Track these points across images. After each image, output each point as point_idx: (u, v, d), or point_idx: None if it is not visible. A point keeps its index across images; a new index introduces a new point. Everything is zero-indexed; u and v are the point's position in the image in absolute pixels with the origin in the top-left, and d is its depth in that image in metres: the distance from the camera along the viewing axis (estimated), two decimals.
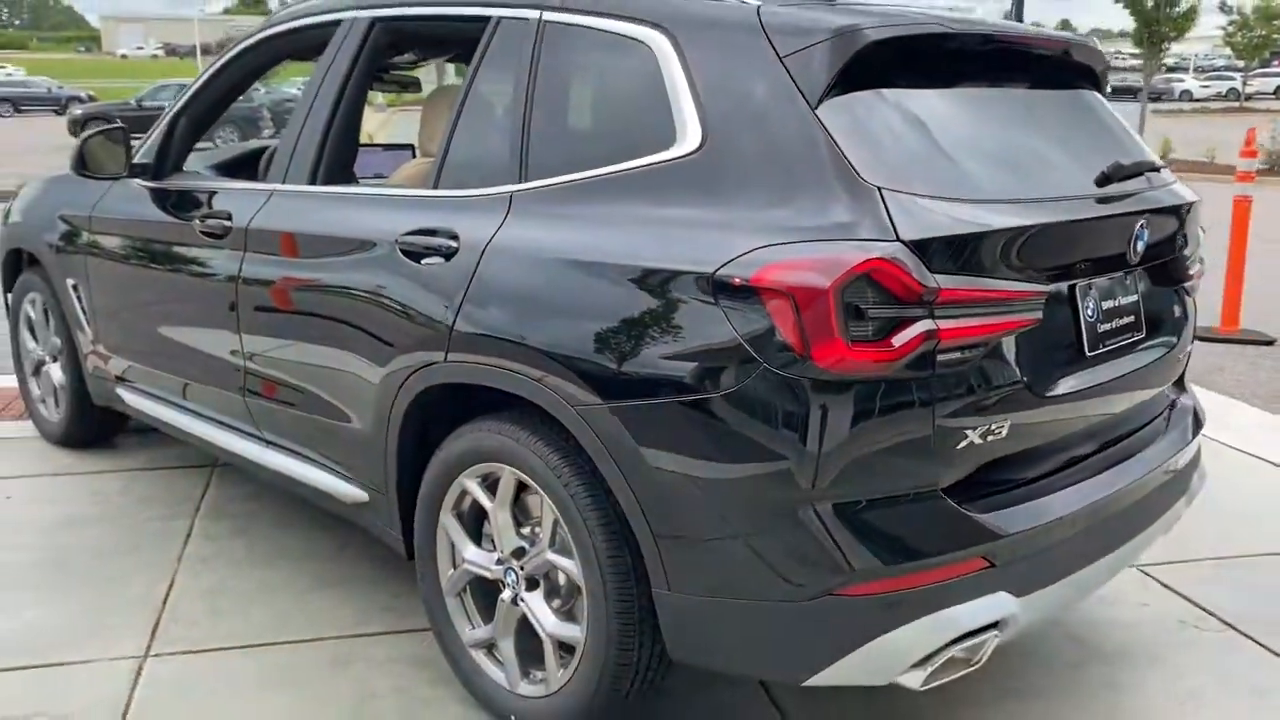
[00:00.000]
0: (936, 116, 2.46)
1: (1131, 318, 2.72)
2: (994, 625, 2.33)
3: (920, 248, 2.16)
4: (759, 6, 2.47)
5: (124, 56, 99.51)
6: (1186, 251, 2.96)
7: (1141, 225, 2.61)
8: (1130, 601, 3.61)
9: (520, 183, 2.71)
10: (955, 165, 2.40)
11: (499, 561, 2.78)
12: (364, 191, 3.31)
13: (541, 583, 2.71)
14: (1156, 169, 2.89)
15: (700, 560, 2.33)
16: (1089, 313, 2.56)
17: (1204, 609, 3.56)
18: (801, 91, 2.30)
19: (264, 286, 3.36)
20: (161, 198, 3.93)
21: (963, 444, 2.27)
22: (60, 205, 4.46)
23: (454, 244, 2.75)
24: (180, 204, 3.83)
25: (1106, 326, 2.62)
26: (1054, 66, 2.91)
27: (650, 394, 2.33)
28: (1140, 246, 2.62)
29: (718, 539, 2.30)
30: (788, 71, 2.33)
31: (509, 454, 2.64)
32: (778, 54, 2.36)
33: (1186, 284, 3.01)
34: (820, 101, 2.29)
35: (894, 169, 2.27)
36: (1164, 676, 3.16)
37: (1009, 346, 2.33)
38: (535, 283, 2.57)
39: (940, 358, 2.18)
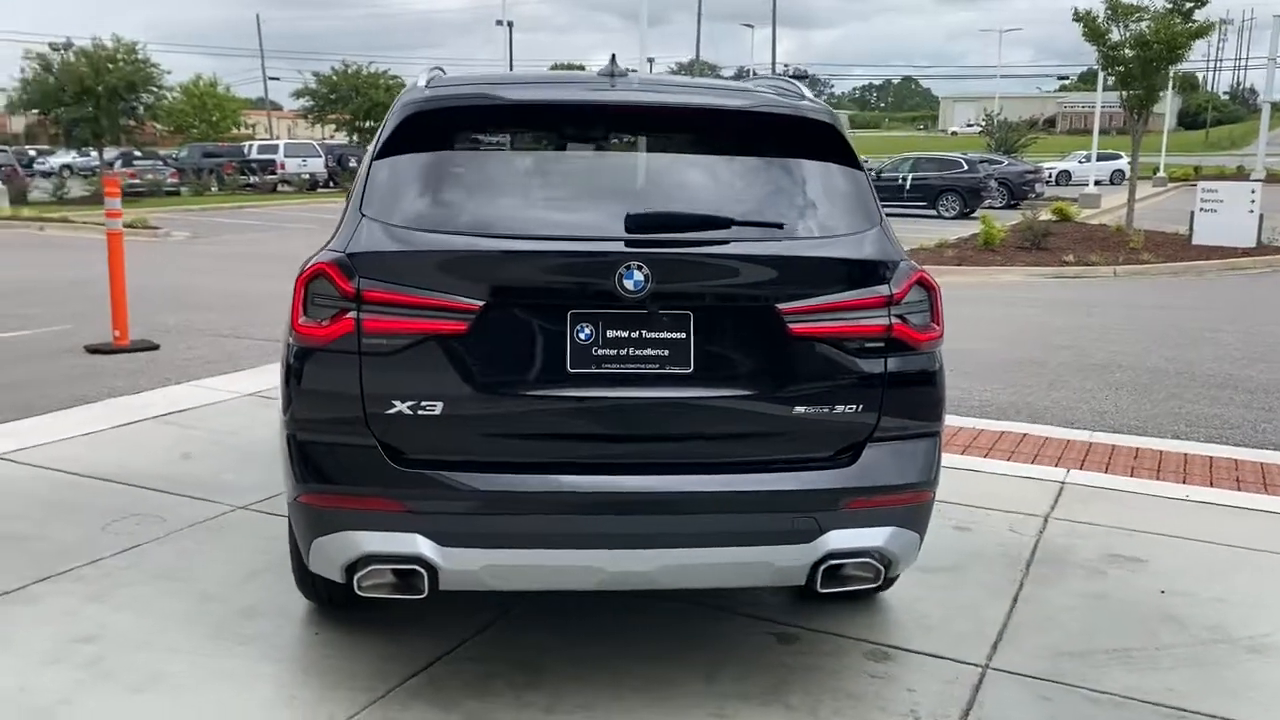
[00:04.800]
0: (462, 166, 3.15)
1: (660, 351, 2.98)
2: (417, 561, 2.98)
3: (358, 258, 2.98)
4: (416, 91, 3.38)
5: (954, 133, 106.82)
6: (790, 306, 3.01)
7: (630, 268, 2.91)
8: (901, 684, 3.45)
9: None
10: (444, 204, 3.07)
11: None
12: None
13: None
14: (729, 224, 3.04)
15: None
16: (581, 335, 2.97)
17: (970, 711, 3.28)
18: (376, 148, 3.22)
19: None
20: None
21: (391, 411, 2.98)
22: None
23: None
24: None
25: (607, 352, 2.97)
26: (669, 126, 3.26)
27: None
28: (631, 286, 2.91)
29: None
30: (381, 135, 3.26)
31: None
32: (387, 122, 3.29)
33: (818, 338, 3.04)
34: (376, 156, 3.20)
35: (385, 204, 3.08)
36: None
37: (448, 345, 2.95)
38: None
39: (366, 341, 2.96)
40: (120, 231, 8.88)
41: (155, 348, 9.04)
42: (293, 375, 3.09)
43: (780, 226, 3.09)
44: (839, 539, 3.08)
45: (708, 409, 3.03)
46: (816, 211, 3.18)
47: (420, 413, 2.98)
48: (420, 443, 3.02)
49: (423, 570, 3.00)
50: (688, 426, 3.05)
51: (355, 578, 3.05)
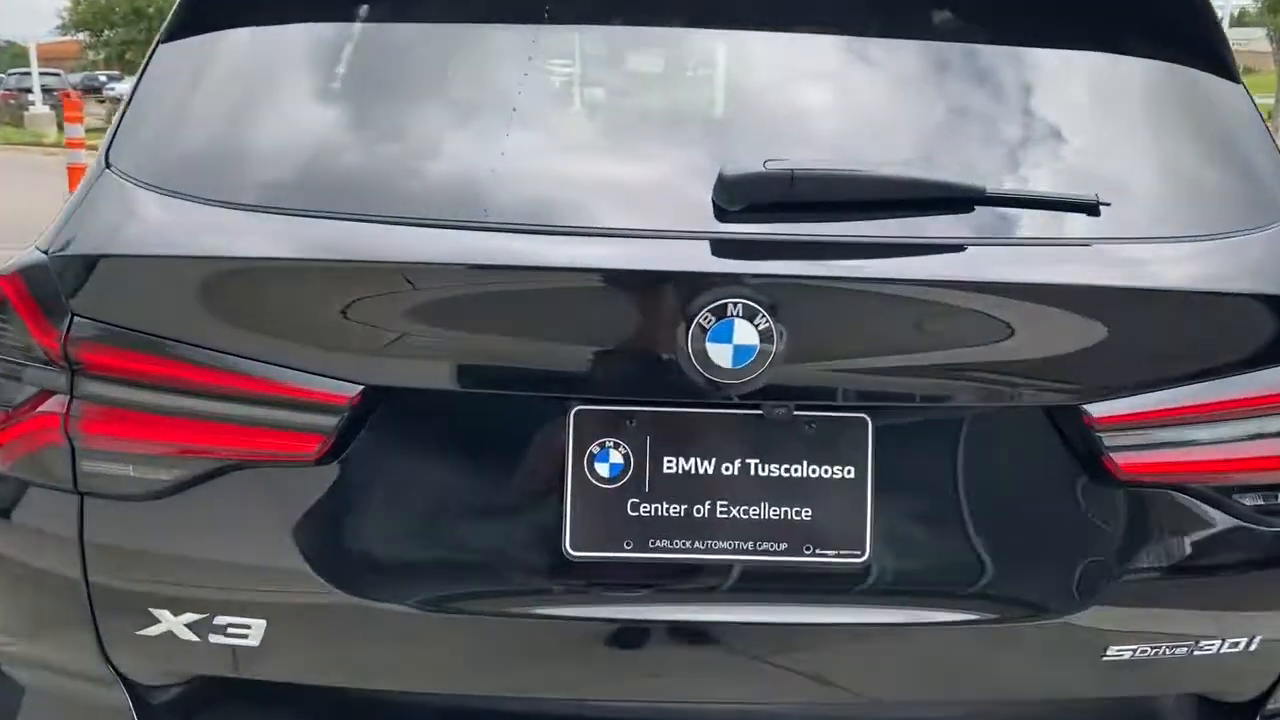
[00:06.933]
0: (336, 59, 1.41)
1: (793, 510, 1.23)
2: None
3: (71, 266, 1.26)
4: None
5: None
6: (1111, 411, 1.22)
7: (726, 313, 1.15)
8: None
9: None
10: (288, 144, 1.34)
11: None
12: None
13: None
14: (972, 200, 1.25)
15: None
16: (601, 469, 1.22)
17: None
18: (162, 31, 1.49)
19: None
20: None
21: (152, 631, 1.27)
22: None
23: None
24: None
25: (662, 509, 1.23)
26: None
27: None
28: (723, 358, 1.15)
29: None
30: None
31: None
32: None
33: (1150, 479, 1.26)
34: (161, 40, 1.47)
35: (157, 143, 1.37)
36: None
37: (281, 486, 1.23)
38: None
39: (88, 466, 1.25)
40: (83, 166, 7.32)
41: None
42: None
43: (1094, 211, 1.27)
44: None
45: (904, 653, 1.27)
46: (1163, 180, 1.38)
47: (216, 641, 1.26)
48: (218, 706, 1.32)
49: None
50: (855, 691, 1.29)
51: None
